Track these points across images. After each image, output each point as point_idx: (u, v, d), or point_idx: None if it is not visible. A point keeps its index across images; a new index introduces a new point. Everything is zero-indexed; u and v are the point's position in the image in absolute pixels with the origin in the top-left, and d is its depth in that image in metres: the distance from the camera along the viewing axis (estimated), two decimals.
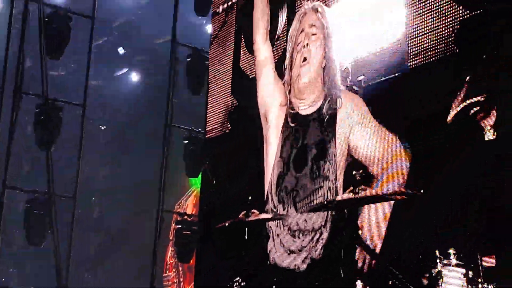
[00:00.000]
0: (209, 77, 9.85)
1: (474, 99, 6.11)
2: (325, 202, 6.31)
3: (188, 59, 11.94)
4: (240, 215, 7.10)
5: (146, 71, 16.64)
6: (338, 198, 6.27)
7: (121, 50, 16.10)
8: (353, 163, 6.43)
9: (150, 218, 12.27)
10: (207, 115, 9.78)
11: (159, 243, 11.87)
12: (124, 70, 16.86)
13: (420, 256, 6.08)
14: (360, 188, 5.56)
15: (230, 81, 9.54)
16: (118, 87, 17.03)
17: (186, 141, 11.73)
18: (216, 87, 9.75)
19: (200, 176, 10.59)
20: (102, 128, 16.66)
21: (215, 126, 9.58)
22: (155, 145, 12.46)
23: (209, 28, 11.19)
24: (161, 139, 11.81)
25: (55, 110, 11.76)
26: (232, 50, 9.59)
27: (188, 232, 11.40)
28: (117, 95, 16.80)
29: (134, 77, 17.05)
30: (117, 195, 15.89)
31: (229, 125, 9.39)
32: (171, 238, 13.99)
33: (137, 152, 15.44)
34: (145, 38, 15.94)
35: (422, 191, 5.83)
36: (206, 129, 9.80)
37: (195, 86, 11.78)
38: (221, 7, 10.03)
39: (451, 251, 5.76)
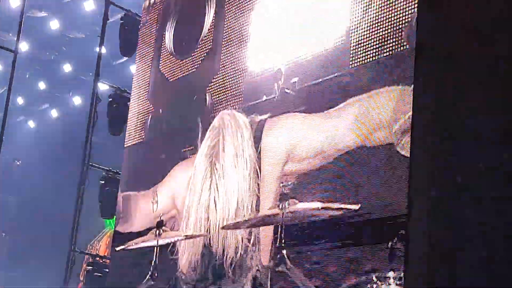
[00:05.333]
0: (133, 80, 9.57)
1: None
2: (247, 219, 6.23)
3: (110, 99, 11.83)
4: (149, 234, 6.95)
5: (66, 108, 16.45)
6: (260, 214, 6.13)
7: None
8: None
9: (61, 257, 12.03)
10: (127, 122, 9.45)
11: (69, 283, 11.63)
12: (45, 106, 16.65)
13: (354, 281, 5.54)
14: (288, 202, 5.28)
15: (148, 86, 9.17)
16: (37, 123, 16.78)
17: (103, 182, 11.56)
18: (136, 91, 9.42)
19: (114, 217, 10.45)
20: (18, 163, 16.34)
21: (132, 134, 9.26)
22: (70, 184, 12.26)
23: (132, 69, 11.13)
24: (77, 178, 11.62)
25: None
26: (153, 51, 9.22)
27: (99, 274, 11.18)
28: (35, 130, 16.53)
29: (54, 113, 16.83)
30: (29, 232, 15.56)
31: (143, 133, 9.04)
32: (81, 279, 13.71)
33: (52, 190, 15.17)
34: (68, 74, 15.80)
35: (358, 206, 5.52)
36: (126, 138, 9.47)
37: (115, 127, 11.64)
38: (143, 5, 9.72)
39: (391, 274, 5.16)
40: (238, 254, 6.54)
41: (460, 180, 5.20)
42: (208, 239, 6.90)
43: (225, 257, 6.66)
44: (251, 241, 6.42)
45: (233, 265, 6.60)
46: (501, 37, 5.03)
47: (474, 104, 5.29)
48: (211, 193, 7.04)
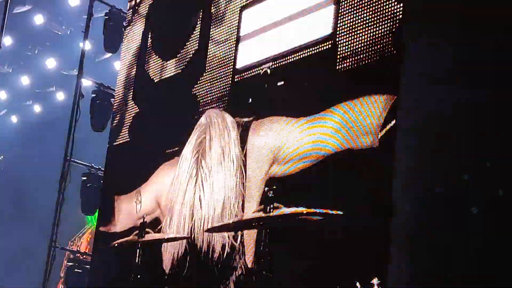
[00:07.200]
0: (117, 80, 9.46)
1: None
2: (232, 222, 6.19)
3: (93, 95, 11.76)
4: (132, 235, 6.89)
5: (49, 103, 16.39)
6: (245, 217, 6.09)
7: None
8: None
9: (42, 253, 11.98)
10: (111, 122, 9.36)
11: (50, 280, 11.56)
12: (28, 101, 16.59)
13: (337, 287, 5.45)
14: (272, 206, 5.24)
15: (133, 86, 9.03)
16: (19, 118, 16.72)
17: (85, 178, 11.49)
18: (120, 91, 9.30)
19: (96, 213, 10.39)
20: (0, 158, 16.29)
21: (115, 134, 9.16)
22: (52, 180, 12.19)
23: (116, 65, 11.07)
24: (59, 173, 11.55)
25: None
26: (138, 51, 9.08)
27: (79, 271, 11.13)
28: (18, 125, 16.47)
29: (37, 108, 16.75)
30: (9, 227, 15.50)
31: (127, 134, 8.97)
32: (62, 275, 13.65)
33: (34, 186, 15.11)
34: (51, 70, 15.74)
35: (341, 212, 5.42)
36: (109, 138, 9.35)
37: (98, 123, 11.57)
38: (129, 4, 9.58)
39: (375, 281, 5.07)
40: (224, 254, 6.50)
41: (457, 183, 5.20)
42: (192, 238, 6.86)
43: (209, 256, 6.63)
44: (237, 241, 6.39)
45: (217, 265, 6.56)
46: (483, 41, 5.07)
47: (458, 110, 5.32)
48: (196, 191, 6.98)
